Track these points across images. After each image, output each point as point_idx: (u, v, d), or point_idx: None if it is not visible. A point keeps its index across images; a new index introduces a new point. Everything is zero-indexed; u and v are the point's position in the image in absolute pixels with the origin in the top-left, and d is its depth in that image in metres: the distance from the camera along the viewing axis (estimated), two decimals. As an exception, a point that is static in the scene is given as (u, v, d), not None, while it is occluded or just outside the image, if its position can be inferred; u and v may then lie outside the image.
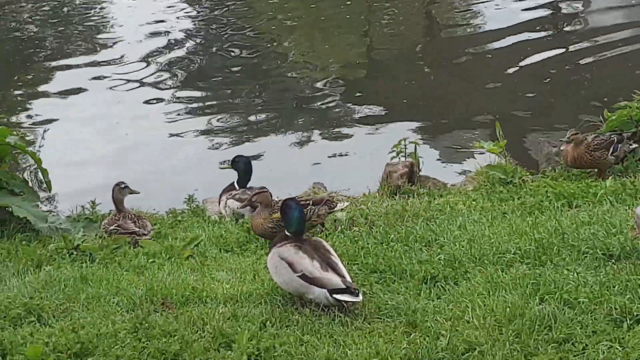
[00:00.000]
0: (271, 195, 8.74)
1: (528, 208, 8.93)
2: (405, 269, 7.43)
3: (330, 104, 15.59)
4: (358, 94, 15.91)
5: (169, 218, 10.14)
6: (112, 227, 9.36)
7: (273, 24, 20.35)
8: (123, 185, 9.58)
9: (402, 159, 10.86)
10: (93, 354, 6.31)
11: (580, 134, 9.98)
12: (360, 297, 6.77)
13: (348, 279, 6.86)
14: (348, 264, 7.48)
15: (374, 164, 11.25)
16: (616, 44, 16.77)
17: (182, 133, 14.62)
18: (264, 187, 8.92)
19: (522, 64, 16.35)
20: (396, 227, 8.52)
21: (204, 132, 14.66)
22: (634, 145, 10.02)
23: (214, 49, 18.68)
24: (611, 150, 9.86)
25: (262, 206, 8.66)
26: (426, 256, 7.67)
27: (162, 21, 20.61)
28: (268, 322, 6.71)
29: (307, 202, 8.79)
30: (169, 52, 18.51)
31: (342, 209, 9.06)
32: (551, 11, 19.50)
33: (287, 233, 7.24)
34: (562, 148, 10.18)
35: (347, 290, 6.75)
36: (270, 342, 6.34)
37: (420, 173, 10.85)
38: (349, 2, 21.45)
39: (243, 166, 10.17)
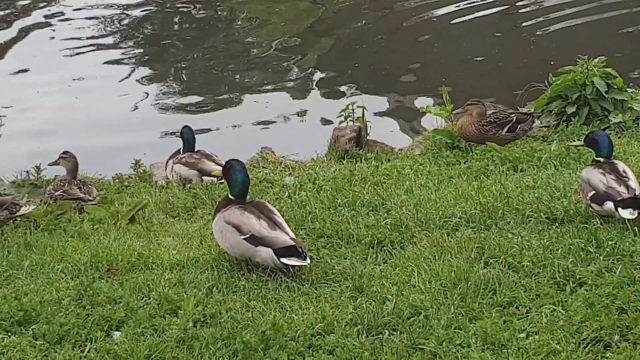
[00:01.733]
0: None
1: (474, 172, 8.98)
2: (353, 233, 7.44)
3: (282, 67, 15.52)
4: (308, 57, 15.83)
5: (115, 183, 10.04)
6: (57, 193, 9.25)
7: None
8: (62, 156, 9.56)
9: (350, 123, 10.84)
10: (36, 321, 6.23)
11: (478, 104, 9.93)
12: (308, 261, 6.76)
13: (293, 236, 6.85)
14: (295, 228, 7.47)
15: (322, 128, 11.23)
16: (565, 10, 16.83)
17: (131, 94, 14.48)
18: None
19: (472, 28, 16.37)
20: (344, 192, 8.51)
21: (154, 95, 14.53)
22: (536, 123, 10.05)
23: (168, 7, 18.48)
24: (506, 128, 9.85)
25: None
26: (373, 221, 7.68)
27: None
28: (214, 288, 6.69)
29: None
30: (122, 12, 18.27)
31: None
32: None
33: (230, 196, 7.19)
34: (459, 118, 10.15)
35: (294, 252, 6.73)
36: (217, 308, 6.32)
37: (368, 137, 10.86)
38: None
39: (187, 136, 10.19)
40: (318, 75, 15.05)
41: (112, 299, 6.48)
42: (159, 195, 9.27)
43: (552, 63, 13.39)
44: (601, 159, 7.55)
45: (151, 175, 10.27)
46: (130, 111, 13.98)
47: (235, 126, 13.29)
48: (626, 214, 7.11)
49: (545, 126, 10.20)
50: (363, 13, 17.67)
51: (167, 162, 10.16)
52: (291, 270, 6.78)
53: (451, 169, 9.23)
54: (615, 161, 7.63)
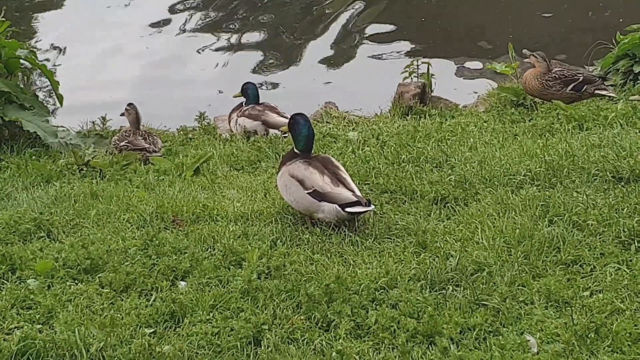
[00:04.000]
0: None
1: (539, 130, 8.90)
2: (416, 189, 7.44)
3: (342, 22, 15.46)
4: (370, 11, 15.74)
5: (179, 135, 10.14)
6: (122, 144, 9.37)
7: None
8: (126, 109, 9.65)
9: (415, 79, 10.80)
10: (103, 269, 6.35)
11: (543, 60, 9.77)
12: (372, 207, 6.78)
13: (358, 193, 6.87)
14: (359, 184, 7.49)
15: (387, 83, 11.18)
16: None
17: (198, 49, 14.54)
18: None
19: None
20: (407, 148, 8.51)
21: (220, 49, 14.58)
22: (607, 92, 9.82)
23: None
24: (570, 86, 9.69)
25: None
26: (437, 177, 7.67)
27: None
28: (278, 240, 6.75)
29: None
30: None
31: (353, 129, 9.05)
32: None
33: (295, 150, 7.22)
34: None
35: (358, 204, 6.76)
36: (281, 260, 6.37)
37: (432, 94, 10.82)
38: None
39: (251, 92, 10.18)
40: (380, 29, 14.96)
41: (178, 249, 6.57)
42: (223, 148, 9.33)
43: (621, 20, 13.17)
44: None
45: (215, 128, 10.35)
46: (199, 68, 14.06)
47: (299, 80, 13.30)
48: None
49: (612, 84, 10.05)
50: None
51: (230, 115, 10.21)
52: (357, 221, 6.80)
53: (516, 127, 9.17)
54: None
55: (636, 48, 10.32)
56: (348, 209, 6.78)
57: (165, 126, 10.50)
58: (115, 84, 13.21)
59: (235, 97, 10.41)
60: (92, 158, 8.93)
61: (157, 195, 7.77)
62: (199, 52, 14.55)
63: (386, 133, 9.15)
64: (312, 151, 7.28)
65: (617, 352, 5.28)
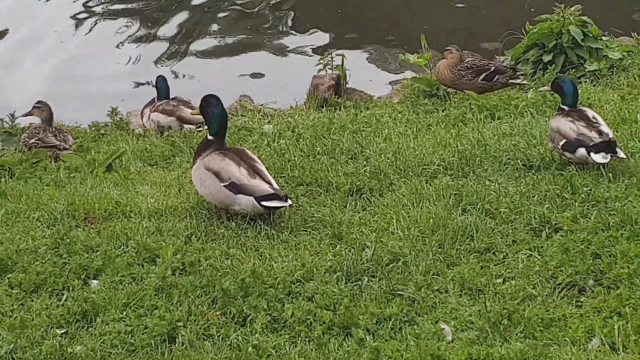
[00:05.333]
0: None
1: (452, 120, 8.98)
2: (332, 181, 7.44)
3: (258, 14, 15.39)
4: (286, 6, 15.71)
5: (91, 132, 9.98)
6: (32, 141, 9.20)
7: None
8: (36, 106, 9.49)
9: (329, 71, 10.80)
10: (12, 270, 6.22)
11: (456, 51, 9.90)
12: (289, 202, 6.76)
13: (275, 185, 6.83)
14: (275, 176, 7.43)
15: (303, 76, 11.16)
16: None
17: (112, 43, 14.37)
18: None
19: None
20: (323, 140, 8.50)
21: (130, 41, 14.41)
22: (519, 81, 9.96)
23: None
24: (482, 76, 9.81)
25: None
26: (352, 168, 7.69)
27: None
28: (193, 236, 6.69)
29: None
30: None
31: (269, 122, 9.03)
32: None
33: (209, 136, 7.14)
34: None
35: (275, 197, 6.73)
36: (195, 256, 6.32)
37: (347, 86, 10.83)
38: None
39: (160, 85, 10.07)
40: (298, 22, 14.94)
41: (90, 247, 6.47)
42: (136, 144, 9.22)
43: (532, 10, 13.34)
44: (566, 108, 7.56)
45: (128, 124, 10.21)
46: (108, 62, 13.87)
47: (213, 74, 13.20)
48: (599, 158, 7.15)
49: (523, 74, 10.18)
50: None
51: (142, 111, 10.08)
52: (272, 215, 6.78)
53: (430, 117, 9.23)
54: (583, 108, 7.65)
55: (545, 38, 10.46)
56: (264, 203, 6.74)
57: (76, 122, 10.32)
58: (25, 80, 12.95)
59: (152, 86, 10.34)
60: (1, 156, 8.75)
61: (68, 192, 7.63)
62: (115, 47, 14.35)
63: (301, 125, 9.14)
64: (226, 140, 7.20)
65: (529, 338, 5.36)
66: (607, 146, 7.16)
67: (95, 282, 6.10)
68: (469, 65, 9.78)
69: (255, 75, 13.09)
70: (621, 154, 7.18)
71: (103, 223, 6.93)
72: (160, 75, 10.34)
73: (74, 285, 6.03)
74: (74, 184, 7.95)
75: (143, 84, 12.65)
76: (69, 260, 6.30)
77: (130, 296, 5.84)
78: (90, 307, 5.75)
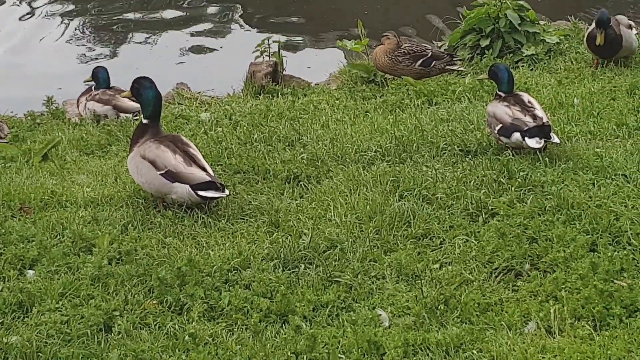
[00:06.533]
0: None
1: (389, 106, 9.01)
2: (269, 168, 7.43)
3: (194, 2, 15.32)
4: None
5: (27, 121, 9.84)
6: (-34, 131, 9.07)
7: None
8: None
9: (266, 58, 10.77)
10: (-54, 261, 6.13)
11: (393, 37, 9.94)
12: (226, 192, 6.73)
13: (211, 172, 6.80)
14: (212, 165, 7.41)
15: (239, 63, 11.12)
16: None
17: (50, 31, 14.21)
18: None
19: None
20: (260, 127, 8.48)
21: (67, 34, 14.28)
22: (456, 67, 10.03)
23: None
24: (419, 62, 9.87)
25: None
26: (289, 156, 7.68)
27: None
28: (130, 225, 6.63)
29: None
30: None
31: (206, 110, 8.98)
32: None
33: (144, 121, 7.08)
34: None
35: (212, 186, 6.70)
36: (132, 245, 6.27)
37: (285, 72, 10.81)
38: None
39: (101, 75, 9.94)
40: (236, 10, 14.88)
41: (25, 237, 6.38)
42: (72, 133, 9.12)
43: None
44: (502, 94, 7.62)
45: (64, 113, 10.09)
46: (42, 50, 13.71)
47: (151, 62, 13.10)
48: (533, 143, 7.21)
49: (460, 59, 10.24)
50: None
51: (78, 100, 9.97)
52: (209, 204, 6.75)
53: (367, 103, 9.26)
54: (520, 93, 7.73)
55: (482, 22, 10.53)
56: (201, 193, 6.70)
57: (12, 112, 10.17)
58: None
59: (85, 82, 10.16)
60: None
61: (3, 182, 7.52)
62: (50, 35, 14.18)
63: (239, 113, 9.10)
64: (161, 124, 7.14)
65: (466, 323, 5.40)
66: (541, 130, 7.22)
67: (31, 272, 6.03)
68: (405, 51, 9.81)
69: (193, 62, 13.02)
70: (555, 139, 7.25)
71: (39, 213, 6.84)
72: (99, 66, 10.23)
73: (10, 275, 5.95)
74: (9, 174, 7.85)
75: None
76: (4, 250, 6.21)
77: (66, 286, 5.78)
78: (26, 297, 5.68)
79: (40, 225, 6.59)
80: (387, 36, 9.91)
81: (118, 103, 9.63)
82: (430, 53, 9.93)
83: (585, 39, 9.85)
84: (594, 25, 9.72)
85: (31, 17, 14.99)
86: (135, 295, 5.70)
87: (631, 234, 6.04)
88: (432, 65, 9.88)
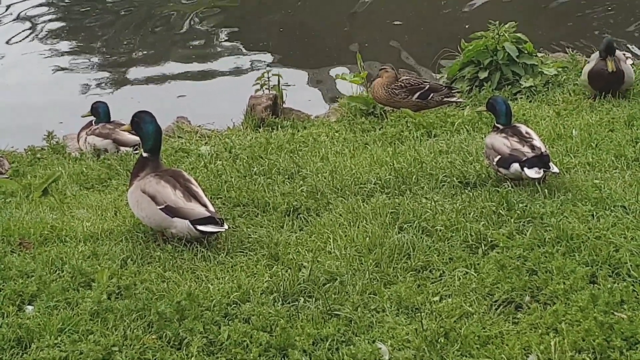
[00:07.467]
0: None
1: (389, 138, 9.03)
2: (269, 201, 7.43)
3: (195, 35, 15.40)
4: (224, 27, 15.72)
5: (28, 156, 9.88)
6: (-34, 167, 9.09)
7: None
8: None
9: (266, 91, 10.82)
10: (-54, 297, 6.12)
11: (391, 70, 10.02)
12: (225, 227, 6.73)
13: (211, 208, 6.80)
14: (211, 198, 7.42)
15: (242, 96, 11.18)
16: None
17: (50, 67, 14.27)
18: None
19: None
20: (260, 160, 8.50)
21: (65, 69, 14.33)
22: (454, 99, 10.08)
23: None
24: (416, 95, 9.92)
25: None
26: (289, 188, 7.68)
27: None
28: (129, 259, 6.62)
29: None
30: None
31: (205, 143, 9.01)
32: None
33: (144, 154, 7.09)
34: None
35: (211, 221, 6.70)
36: (131, 279, 6.25)
37: (285, 105, 10.86)
38: None
39: (102, 110, 9.98)
40: (235, 44, 14.96)
41: (24, 272, 6.36)
42: (72, 167, 9.15)
43: (466, 26, 13.48)
44: (500, 126, 7.64)
45: (64, 147, 10.13)
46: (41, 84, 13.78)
47: (151, 96, 13.15)
48: (532, 173, 7.21)
49: (459, 91, 10.28)
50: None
51: (78, 134, 10.01)
52: (208, 238, 6.75)
53: (366, 136, 9.28)
54: (518, 125, 7.74)
55: (480, 55, 10.59)
56: (200, 228, 6.70)
57: (12, 147, 10.21)
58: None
59: (83, 116, 10.18)
60: None
61: (2, 217, 7.52)
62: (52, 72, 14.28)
63: (238, 146, 9.13)
64: (161, 157, 7.15)
65: (466, 356, 5.37)
66: (540, 160, 7.23)
67: (30, 307, 6.00)
68: (403, 84, 9.87)
69: (193, 96, 13.08)
70: (554, 169, 7.26)
71: (38, 248, 6.84)
72: (99, 101, 10.28)
73: (9, 311, 5.92)
74: (9, 209, 7.85)
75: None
76: (3, 286, 6.19)
77: (65, 321, 5.75)
78: (24, 333, 5.65)
79: (40, 260, 6.57)
80: (385, 69, 9.98)
81: (118, 137, 9.67)
82: (428, 85, 9.99)
83: (586, 74, 9.86)
84: (594, 62, 9.76)
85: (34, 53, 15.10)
86: (135, 330, 5.67)
87: (631, 265, 6.02)
88: (429, 97, 9.93)
